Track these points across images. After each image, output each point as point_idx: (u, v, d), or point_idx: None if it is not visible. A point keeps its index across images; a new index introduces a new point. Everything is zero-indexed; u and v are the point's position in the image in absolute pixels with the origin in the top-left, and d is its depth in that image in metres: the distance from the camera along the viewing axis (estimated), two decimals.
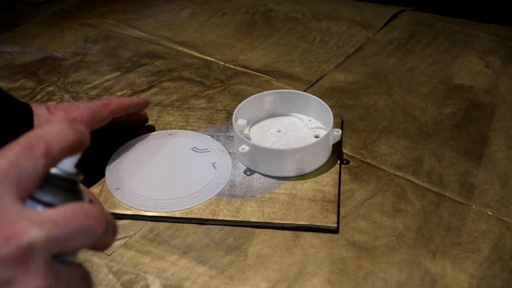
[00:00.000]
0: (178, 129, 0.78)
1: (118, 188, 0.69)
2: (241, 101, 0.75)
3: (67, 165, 0.33)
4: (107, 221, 0.32)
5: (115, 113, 0.71)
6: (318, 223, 0.63)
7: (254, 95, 0.77)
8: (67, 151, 0.32)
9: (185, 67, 0.94)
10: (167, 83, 0.90)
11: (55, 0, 1.17)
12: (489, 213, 0.66)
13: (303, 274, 0.59)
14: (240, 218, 0.65)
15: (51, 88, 0.89)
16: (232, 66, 0.94)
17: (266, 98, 0.78)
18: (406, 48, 0.98)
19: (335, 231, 0.63)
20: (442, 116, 0.81)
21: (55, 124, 0.32)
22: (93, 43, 1.02)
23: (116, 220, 0.65)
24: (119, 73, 0.93)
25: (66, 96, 0.87)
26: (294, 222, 0.63)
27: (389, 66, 0.93)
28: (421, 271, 0.59)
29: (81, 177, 0.34)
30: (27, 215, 0.30)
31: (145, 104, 0.77)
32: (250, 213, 0.65)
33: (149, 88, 0.89)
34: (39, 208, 0.31)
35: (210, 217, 0.65)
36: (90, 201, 0.34)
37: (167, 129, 0.78)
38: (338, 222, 0.64)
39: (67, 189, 0.32)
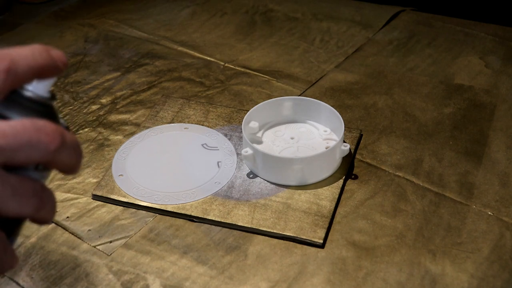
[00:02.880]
0: (196, 124, 0.79)
1: (121, 175, 0.71)
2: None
3: (39, 88, 0.33)
4: (64, 139, 0.32)
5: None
6: (304, 236, 0.62)
7: (272, 99, 0.77)
8: (35, 73, 0.32)
9: (185, 67, 0.94)
10: (167, 83, 0.90)
11: (55, 0, 1.17)
12: (489, 213, 0.66)
13: (303, 274, 0.59)
14: (229, 221, 0.65)
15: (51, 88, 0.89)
16: (232, 66, 0.94)
17: (285, 104, 0.77)
18: (406, 48, 0.98)
19: (321, 246, 0.62)
20: (442, 116, 0.81)
21: (27, 46, 0.32)
22: (93, 43, 1.02)
23: (116, 219, 0.65)
24: (119, 73, 0.93)
25: (66, 96, 0.87)
26: (281, 232, 0.63)
27: (389, 66, 0.93)
28: (421, 271, 0.59)
29: (52, 102, 0.34)
30: None
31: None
32: (240, 217, 0.65)
33: (149, 88, 0.89)
34: None
35: (200, 215, 0.65)
36: (67, 128, 0.34)
37: (185, 122, 0.79)
38: (325, 238, 0.63)
39: (37, 110, 0.33)
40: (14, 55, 0.32)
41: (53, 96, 0.34)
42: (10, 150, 0.30)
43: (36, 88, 0.33)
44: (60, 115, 0.35)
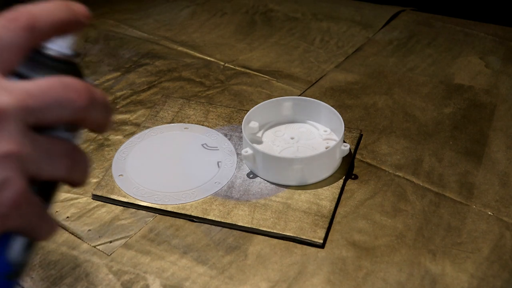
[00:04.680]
0: (196, 123, 0.79)
1: (121, 175, 0.71)
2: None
3: (62, 45, 0.32)
4: (92, 95, 0.31)
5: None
6: (304, 236, 0.62)
7: (272, 99, 0.77)
8: (57, 28, 0.31)
9: (185, 67, 0.94)
10: (167, 83, 0.90)
11: None
12: (489, 213, 0.66)
13: (303, 274, 0.59)
14: (229, 221, 0.64)
15: None
16: (232, 66, 0.94)
17: (285, 104, 0.77)
18: (406, 48, 0.98)
19: (321, 246, 0.62)
20: (442, 116, 0.81)
21: (47, 1, 0.31)
22: (93, 43, 1.02)
23: (116, 219, 0.65)
24: (119, 73, 0.93)
25: None
26: (281, 232, 0.63)
27: (389, 66, 0.93)
28: (421, 271, 0.59)
29: (76, 59, 0.33)
30: (0, 84, 0.29)
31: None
32: (240, 217, 0.65)
33: (149, 88, 0.89)
34: None
35: (200, 215, 0.65)
36: (94, 85, 0.33)
37: (185, 122, 0.79)
38: (325, 238, 0.63)
39: (60, 69, 0.32)
40: (34, 11, 0.30)
41: (76, 53, 0.33)
42: (38, 109, 0.29)
43: (59, 46, 0.31)
44: (92, 82, 0.33)
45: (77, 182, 0.32)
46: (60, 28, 0.31)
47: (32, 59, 0.31)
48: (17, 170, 0.28)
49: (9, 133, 0.28)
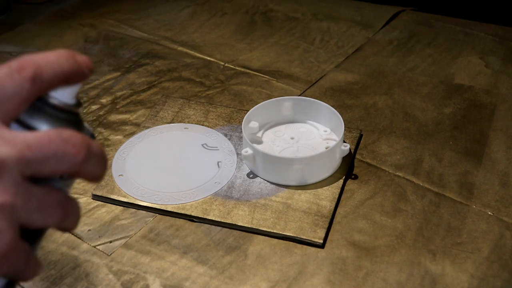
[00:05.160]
0: (196, 123, 0.79)
1: (121, 175, 0.71)
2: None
3: (65, 95, 0.32)
4: (89, 150, 0.31)
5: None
6: (305, 236, 0.62)
7: (272, 99, 0.77)
8: (61, 79, 0.31)
9: (185, 67, 0.94)
10: (167, 83, 0.90)
11: (55, 0, 1.17)
12: (489, 213, 0.66)
13: (303, 274, 0.59)
14: (229, 221, 0.64)
15: None
16: (232, 66, 0.94)
17: (285, 104, 0.77)
18: (406, 48, 0.98)
19: (321, 246, 0.62)
20: (442, 116, 0.81)
21: (52, 52, 0.32)
22: (93, 43, 1.02)
23: (116, 219, 0.65)
24: (119, 73, 0.93)
25: None
26: (281, 232, 0.63)
27: (389, 66, 0.93)
28: (421, 271, 0.59)
29: (78, 109, 0.33)
30: (2, 134, 0.30)
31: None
32: (240, 217, 0.65)
33: (149, 88, 0.89)
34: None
35: (200, 215, 0.65)
36: (92, 135, 0.34)
37: (185, 122, 0.79)
38: (326, 238, 0.63)
39: (62, 119, 0.32)
40: (39, 61, 0.31)
41: (78, 103, 0.33)
42: (36, 162, 0.30)
43: (62, 95, 0.32)
44: (90, 128, 0.34)
45: (67, 229, 0.33)
46: (64, 79, 0.32)
47: (35, 107, 0.31)
48: (9, 221, 0.29)
49: (5, 184, 0.29)
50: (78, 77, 0.32)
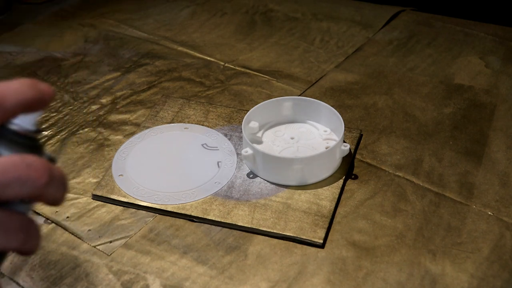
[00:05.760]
0: (196, 124, 0.79)
1: (121, 175, 0.71)
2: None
3: (26, 121, 0.33)
4: (52, 174, 0.32)
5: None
6: (304, 236, 0.62)
7: (272, 99, 0.77)
8: (23, 107, 0.32)
9: (185, 67, 0.94)
10: (167, 83, 0.90)
11: (55, 0, 1.17)
12: (489, 213, 0.66)
13: (303, 274, 0.59)
14: (229, 221, 0.64)
15: None
16: (232, 66, 0.94)
17: (285, 104, 0.77)
18: (406, 48, 0.98)
19: (321, 246, 0.62)
20: (442, 116, 0.81)
21: (16, 80, 0.33)
22: (93, 43, 1.02)
23: (116, 219, 0.65)
24: (119, 73, 0.93)
25: (66, 96, 0.87)
26: (281, 232, 0.63)
27: (389, 66, 0.93)
28: (421, 271, 0.59)
29: (38, 135, 0.34)
30: None
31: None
32: (240, 217, 0.65)
33: (149, 88, 0.89)
34: None
35: (200, 215, 0.65)
36: (52, 159, 0.34)
37: (185, 122, 0.79)
38: (325, 238, 0.63)
39: (23, 144, 0.33)
40: (2, 90, 0.32)
41: (39, 129, 0.34)
42: (0, 186, 0.30)
43: (23, 122, 0.33)
44: (49, 153, 0.35)
45: (28, 252, 0.33)
46: (26, 107, 0.32)
47: None
48: None
49: None
50: (40, 104, 0.33)
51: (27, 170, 0.31)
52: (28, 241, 0.32)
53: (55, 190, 0.33)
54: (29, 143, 0.33)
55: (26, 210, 0.33)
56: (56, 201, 0.34)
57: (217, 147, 0.75)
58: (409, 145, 0.76)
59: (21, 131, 0.33)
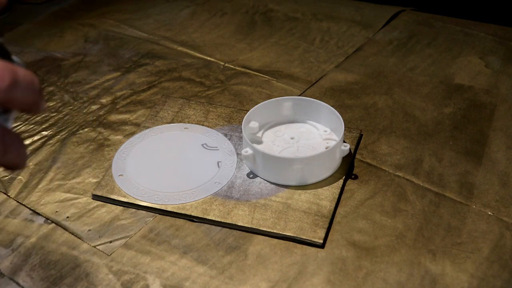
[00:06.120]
0: (196, 124, 0.79)
1: (121, 175, 0.71)
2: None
3: None
4: (15, 76, 0.30)
5: None
6: (305, 236, 0.62)
7: (272, 99, 0.77)
8: None
9: (185, 67, 0.94)
10: (167, 83, 0.90)
11: (55, 0, 1.17)
12: (489, 213, 0.66)
13: (303, 274, 0.59)
14: (229, 221, 0.64)
15: (51, 88, 0.89)
16: (232, 66, 0.94)
17: (285, 104, 0.77)
18: (406, 48, 0.98)
19: (321, 246, 0.62)
20: (442, 116, 0.81)
21: None
22: (93, 43, 1.02)
23: (116, 219, 0.65)
24: (119, 73, 0.93)
25: (66, 96, 0.87)
26: (281, 232, 0.63)
27: (389, 66, 0.93)
28: (421, 271, 0.59)
29: (1, 39, 0.32)
30: None
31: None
32: (240, 217, 0.65)
33: (149, 88, 0.89)
34: None
35: (200, 215, 0.65)
36: (22, 65, 0.32)
37: (185, 122, 0.79)
38: (325, 238, 0.63)
39: None
40: None
41: (1, 33, 0.32)
42: None
43: None
44: (19, 60, 0.32)
45: (13, 165, 0.32)
46: None
47: None
48: None
49: None
50: None
51: None
52: (7, 151, 0.31)
53: (24, 93, 0.31)
54: None
55: (3, 122, 0.32)
56: (31, 107, 0.32)
57: (217, 147, 0.75)
58: (409, 145, 0.76)
59: None
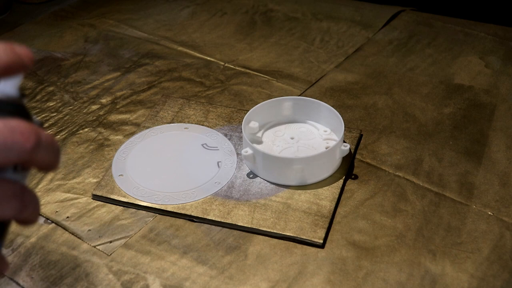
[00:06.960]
0: (196, 124, 0.79)
1: (121, 175, 0.71)
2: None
3: (7, 87, 0.32)
4: (38, 138, 0.31)
5: None
6: (304, 236, 0.62)
7: (272, 99, 0.77)
8: (1, 71, 0.31)
9: (185, 67, 0.94)
10: (167, 83, 0.90)
11: (55, 0, 1.17)
12: (489, 213, 0.66)
13: (303, 274, 0.59)
14: (229, 221, 0.64)
15: (51, 88, 0.89)
16: (232, 66, 0.94)
17: (285, 104, 0.77)
18: (406, 48, 0.98)
19: (321, 246, 0.62)
20: (442, 116, 0.81)
21: None
22: (93, 43, 1.02)
23: (116, 219, 0.65)
24: (119, 73, 0.93)
25: (66, 96, 0.87)
26: (281, 232, 0.63)
27: (389, 66, 0.93)
28: (421, 271, 0.59)
29: (22, 100, 0.33)
30: None
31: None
32: (240, 217, 0.65)
33: (149, 88, 0.89)
34: None
35: (200, 215, 0.65)
36: (41, 124, 0.33)
37: (185, 122, 0.79)
38: (326, 238, 0.63)
39: (7, 111, 0.32)
40: None
41: (22, 94, 0.33)
42: None
43: (4, 87, 0.32)
44: (39, 121, 0.34)
45: (27, 221, 0.33)
46: (4, 71, 0.31)
47: None
48: None
49: None
50: (19, 68, 0.32)
51: (11, 134, 0.30)
52: (24, 209, 0.32)
53: (45, 154, 0.32)
54: (13, 109, 0.32)
55: (20, 178, 0.33)
56: (49, 166, 0.33)
57: (217, 147, 0.75)
58: (409, 145, 0.76)
59: (3, 97, 0.32)
